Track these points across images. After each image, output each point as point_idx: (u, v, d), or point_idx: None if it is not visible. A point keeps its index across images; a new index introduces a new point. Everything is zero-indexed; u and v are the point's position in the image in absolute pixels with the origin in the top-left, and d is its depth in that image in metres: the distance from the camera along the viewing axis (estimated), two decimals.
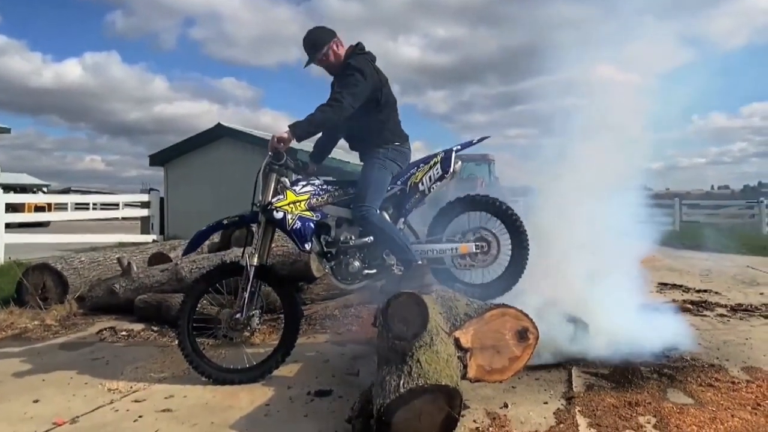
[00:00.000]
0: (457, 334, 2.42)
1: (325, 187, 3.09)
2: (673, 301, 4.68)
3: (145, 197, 9.96)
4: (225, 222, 3.07)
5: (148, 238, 9.91)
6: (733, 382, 2.71)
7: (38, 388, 3.01)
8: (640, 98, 4.08)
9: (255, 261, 2.96)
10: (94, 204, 35.45)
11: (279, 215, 2.92)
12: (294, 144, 2.94)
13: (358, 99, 2.90)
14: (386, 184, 3.04)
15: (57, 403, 2.78)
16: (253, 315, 2.98)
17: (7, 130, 17.93)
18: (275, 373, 3.04)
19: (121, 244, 9.20)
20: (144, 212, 10.02)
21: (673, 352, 3.23)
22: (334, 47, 3.09)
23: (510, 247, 3.17)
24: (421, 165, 3.16)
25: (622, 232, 4.15)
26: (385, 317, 2.20)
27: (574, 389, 2.70)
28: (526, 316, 2.51)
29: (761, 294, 5.22)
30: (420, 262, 2.89)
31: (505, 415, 2.41)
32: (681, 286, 5.62)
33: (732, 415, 2.34)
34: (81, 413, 2.63)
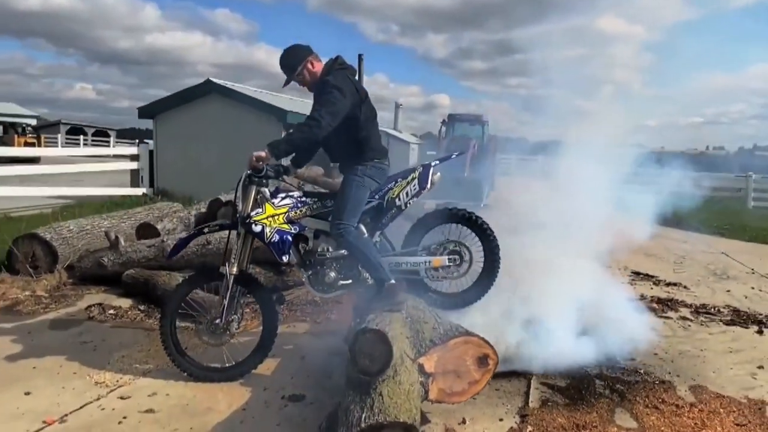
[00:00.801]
0: (421, 360, 2.57)
1: (304, 199, 3.16)
2: (641, 297, 4.87)
3: (134, 150, 9.91)
4: (205, 230, 3.16)
5: (138, 191, 9.96)
6: (677, 405, 2.92)
7: (30, 377, 3.17)
8: (642, 52, 4.07)
9: (234, 270, 3.07)
10: (85, 140, 34.93)
11: (257, 228, 3.01)
12: None
13: (336, 117, 2.92)
14: (364, 200, 3.11)
15: (47, 396, 2.95)
16: (232, 320, 3.12)
17: None
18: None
19: (111, 202, 9.25)
20: (134, 165, 10.01)
21: (629, 362, 3.44)
22: (309, 66, 3.08)
23: (482, 256, 3.30)
24: (399, 180, 3.22)
25: (611, 202, 4.24)
26: (352, 352, 2.35)
27: (530, 404, 2.90)
28: (488, 343, 2.66)
29: (728, 291, 5.42)
30: (392, 282, 3.01)
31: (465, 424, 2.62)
32: (653, 277, 5.82)
33: None
34: (70, 410, 2.81)
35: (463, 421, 2.72)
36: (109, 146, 30.01)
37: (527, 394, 3.03)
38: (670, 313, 4.54)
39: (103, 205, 9.02)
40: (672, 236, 8.52)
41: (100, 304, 4.56)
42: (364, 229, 3.18)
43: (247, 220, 3.01)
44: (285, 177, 3.31)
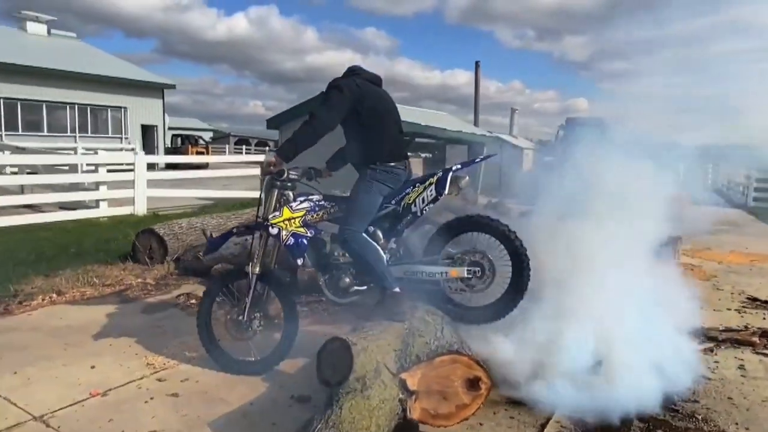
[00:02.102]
0: (404, 375, 2.38)
1: (322, 203, 3.12)
2: (745, 328, 3.96)
3: (262, 157, 10.77)
4: (234, 231, 3.27)
5: None
6: None
7: (101, 353, 3.57)
8: None
9: (257, 269, 3.14)
10: (248, 149, 38.88)
11: (274, 231, 3.04)
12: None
13: (333, 111, 2.90)
14: (373, 205, 2.97)
15: (105, 371, 3.30)
16: (254, 318, 3.19)
17: (173, 86, 20.43)
18: (281, 366, 3.27)
19: (240, 203, 10.14)
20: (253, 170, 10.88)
21: (688, 404, 2.82)
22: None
23: (510, 269, 2.96)
24: (417, 185, 3.03)
25: None
26: (318, 359, 2.24)
27: None
28: (480, 365, 2.37)
29: None
30: (396, 290, 2.82)
31: None
32: None
33: None
34: (114, 386, 3.11)
35: None
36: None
37: (543, 426, 2.63)
38: (746, 350, 3.62)
39: (233, 205, 9.94)
40: None
41: (188, 294, 4.99)
42: (380, 235, 3.05)
43: (265, 223, 3.06)
44: (306, 181, 3.30)
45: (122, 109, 21.07)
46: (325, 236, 3.13)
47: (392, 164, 3.03)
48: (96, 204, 8.98)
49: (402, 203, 3.02)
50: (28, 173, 10.17)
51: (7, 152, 10.74)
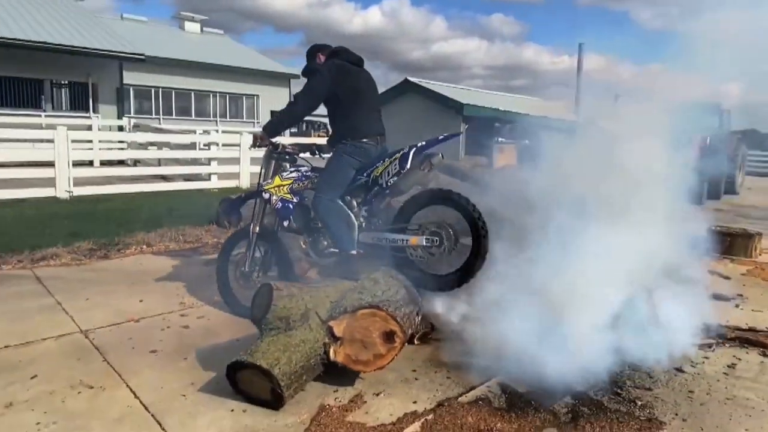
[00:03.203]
0: (331, 323, 2.62)
1: (308, 174, 3.44)
2: (767, 329, 3.49)
3: None
4: (243, 196, 3.72)
5: None
6: None
7: (153, 291, 4.30)
8: None
9: (257, 229, 3.57)
10: None
11: (266, 196, 3.43)
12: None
13: (311, 96, 3.19)
14: (342, 176, 3.21)
15: (148, 304, 3.99)
16: (254, 270, 3.62)
17: (297, 76, 22.06)
18: None
19: None
20: None
21: (638, 391, 2.67)
22: (318, 57, 3.37)
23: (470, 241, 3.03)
24: (386, 159, 3.20)
25: None
26: (252, 300, 2.58)
27: (460, 398, 2.61)
28: (396, 321, 2.53)
29: None
30: (353, 252, 3.05)
31: (364, 402, 2.57)
32: None
33: None
34: (147, 316, 3.76)
35: (376, 394, 2.64)
36: None
37: (472, 388, 2.71)
38: (752, 351, 3.17)
39: None
40: None
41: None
42: (354, 204, 3.28)
43: (260, 188, 3.46)
44: (308, 155, 3.63)
45: (255, 97, 23.31)
46: (308, 203, 3.44)
47: (364, 140, 3.23)
48: (208, 177, 10.26)
49: (371, 176, 3.22)
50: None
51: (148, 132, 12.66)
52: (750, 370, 2.93)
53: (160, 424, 2.36)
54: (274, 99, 23.05)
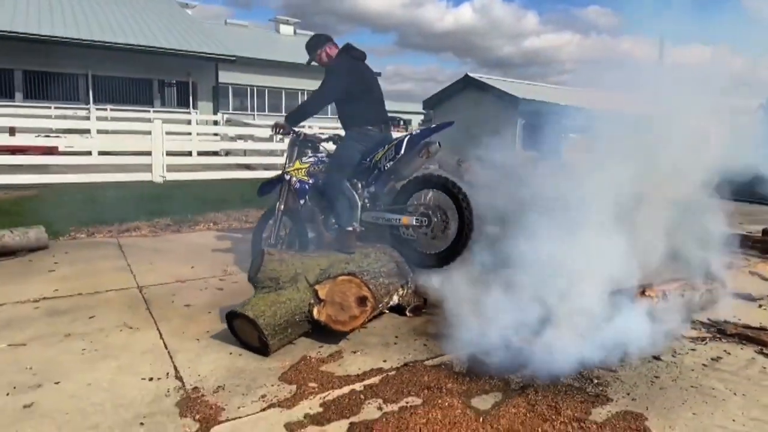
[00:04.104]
0: (317, 287, 2.96)
1: (324, 159, 3.79)
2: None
3: None
4: (274, 178, 4.16)
5: None
6: (564, 417, 2.31)
7: (204, 261, 4.89)
8: None
9: (281, 207, 3.99)
10: None
11: (287, 177, 3.83)
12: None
13: (327, 95, 3.55)
14: (348, 160, 3.52)
15: (197, 271, 4.57)
16: (279, 242, 4.05)
17: (378, 74, 22.75)
18: None
19: None
20: None
21: (602, 371, 2.72)
22: (326, 51, 3.67)
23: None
24: (386, 146, 3.45)
25: None
26: (251, 263, 2.98)
27: (427, 362, 2.82)
28: (368, 287, 2.81)
29: None
30: (349, 229, 3.35)
31: (341, 358, 2.88)
32: None
33: None
34: (192, 279, 4.33)
35: (354, 352, 2.94)
36: None
37: (439, 356, 2.91)
38: (748, 348, 2.99)
39: None
40: None
41: None
42: (359, 186, 3.59)
43: (283, 171, 3.87)
44: (324, 144, 3.99)
45: None
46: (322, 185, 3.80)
47: (368, 128, 3.52)
48: None
49: (372, 160, 3.50)
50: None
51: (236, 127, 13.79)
52: (734, 364, 2.84)
53: (171, 359, 2.84)
54: None
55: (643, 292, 3.26)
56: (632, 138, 3.82)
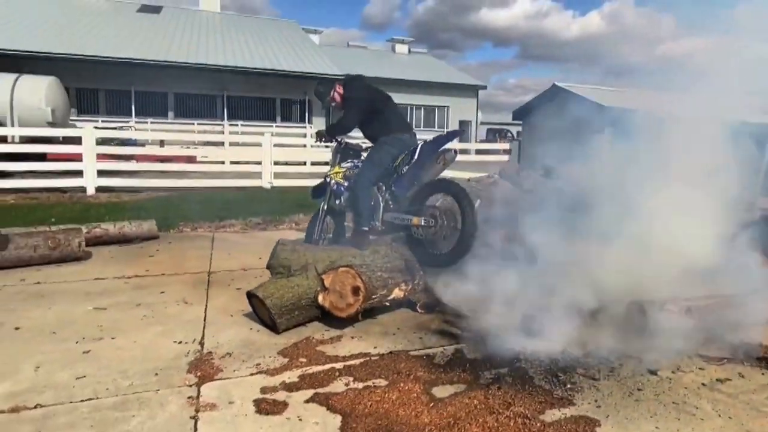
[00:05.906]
0: (323, 276, 3.23)
1: (358, 164, 4.06)
2: None
3: (507, 145, 11.38)
4: (322, 181, 4.52)
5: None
6: (512, 412, 2.28)
7: (247, 252, 5.37)
8: None
9: (324, 207, 4.35)
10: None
11: (328, 180, 4.18)
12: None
13: (354, 117, 3.87)
14: (379, 163, 3.76)
15: (262, 262, 5.05)
16: (322, 238, 4.41)
17: (484, 87, 22.48)
18: None
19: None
20: (506, 157, 11.51)
21: (578, 376, 2.60)
22: (336, 92, 3.97)
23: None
24: (406, 152, 3.62)
25: None
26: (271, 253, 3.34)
27: (410, 352, 2.94)
28: (361, 278, 3.00)
29: None
30: (364, 229, 3.56)
31: (339, 341, 3.11)
32: None
33: None
34: (255, 268, 4.87)
35: (352, 338, 3.15)
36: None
37: (430, 348, 3.00)
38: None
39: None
40: None
41: None
42: (384, 188, 3.80)
43: (326, 176, 4.23)
44: (364, 152, 4.26)
45: (446, 108, 24.48)
46: None
47: (398, 134, 3.73)
48: None
49: (394, 164, 3.69)
50: None
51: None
52: (740, 388, 2.52)
53: (204, 329, 3.30)
54: (461, 109, 23.87)
55: (661, 306, 3.03)
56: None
